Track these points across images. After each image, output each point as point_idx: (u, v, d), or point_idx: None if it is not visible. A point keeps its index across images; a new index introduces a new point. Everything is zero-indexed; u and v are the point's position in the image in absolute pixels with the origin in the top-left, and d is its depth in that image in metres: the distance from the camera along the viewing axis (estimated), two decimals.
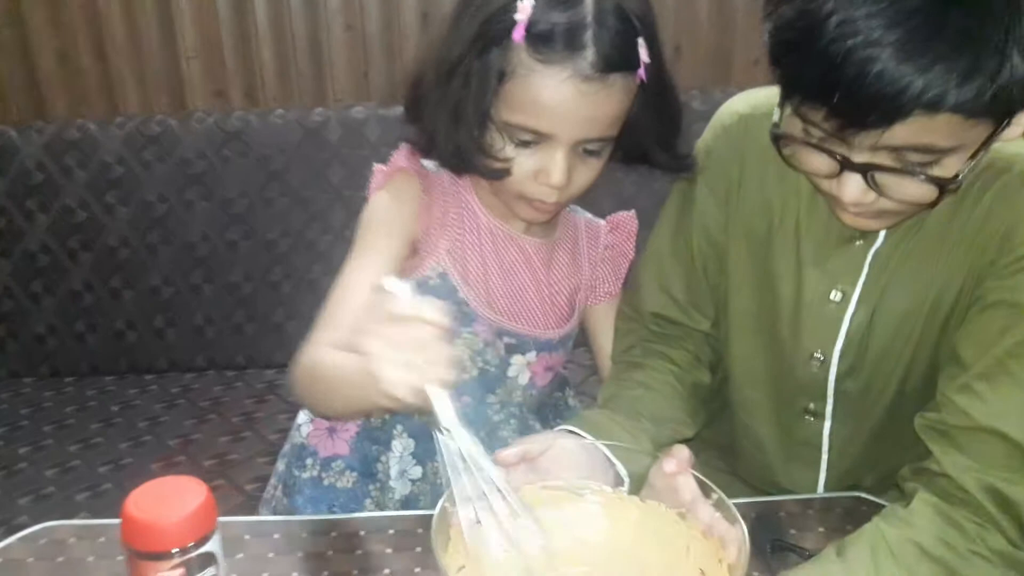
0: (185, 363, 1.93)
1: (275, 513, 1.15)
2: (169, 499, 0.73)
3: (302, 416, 1.17)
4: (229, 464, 1.52)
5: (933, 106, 0.68)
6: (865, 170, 0.77)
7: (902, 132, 0.71)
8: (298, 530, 0.94)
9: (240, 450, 1.56)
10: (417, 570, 0.88)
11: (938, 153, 0.73)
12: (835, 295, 0.93)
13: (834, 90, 0.71)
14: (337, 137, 1.90)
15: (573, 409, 1.29)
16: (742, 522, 0.76)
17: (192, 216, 1.90)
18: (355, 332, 0.74)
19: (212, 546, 0.75)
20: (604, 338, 1.18)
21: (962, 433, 0.81)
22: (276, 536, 0.93)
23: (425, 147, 1.04)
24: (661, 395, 1.00)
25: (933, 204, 0.78)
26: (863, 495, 0.98)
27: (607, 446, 0.87)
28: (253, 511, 1.27)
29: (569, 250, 1.15)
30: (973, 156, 0.74)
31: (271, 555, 0.90)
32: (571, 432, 0.92)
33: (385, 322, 0.72)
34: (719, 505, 0.79)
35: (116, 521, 0.76)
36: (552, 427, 1.23)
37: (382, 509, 1.13)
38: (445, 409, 0.74)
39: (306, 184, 1.90)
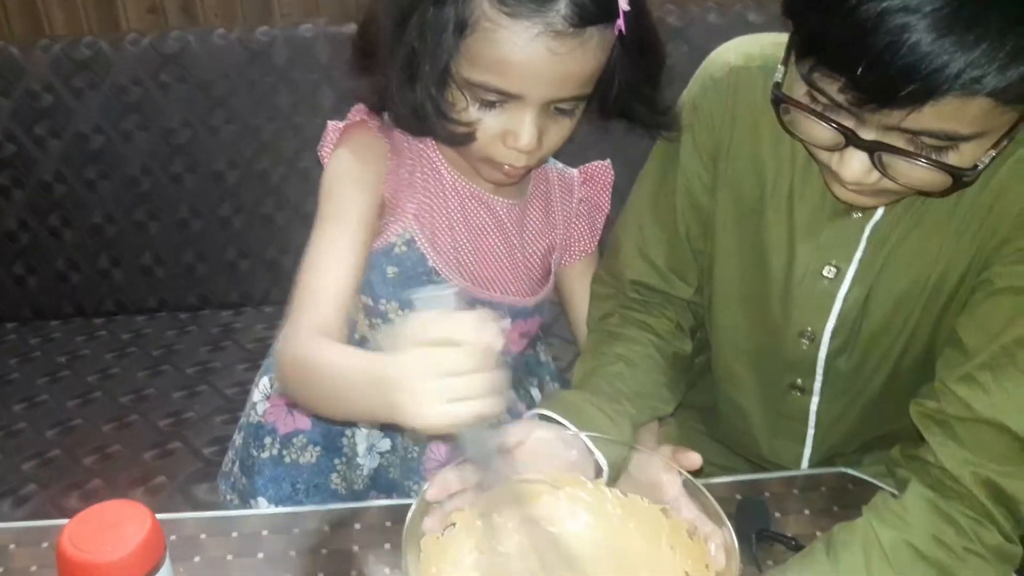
0: (134, 305, 1.83)
1: (234, 490, 1.10)
2: (110, 531, 0.67)
3: (257, 394, 1.10)
4: (185, 424, 1.45)
5: (970, 90, 0.60)
6: (873, 149, 0.69)
7: (929, 115, 0.63)
8: (258, 527, 0.88)
9: (196, 407, 1.49)
10: (387, 571, 0.83)
11: (958, 139, 0.65)
12: (828, 271, 0.86)
13: (859, 60, 0.62)
14: (284, 59, 1.75)
15: (544, 365, 1.23)
16: (729, 526, 0.72)
17: (131, 148, 1.76)
18: (389, 351, 0.66)
19: (164, 574, 0.69)
20: (579, 301, 1.11)
21: (961, 424, 0.76)
22: (234, 535, 0.87)
23: (377, 105, 0.93)
24: (642, 370, 0.94)
25: (943, 194, 0.71)
26: (848, 471, 0.94)
27: (588, 436, 0.82)
28: (212, 478, 1.22)
29: (542, 207, 1.07)
30: (995, 145, 0.67)
31: (229, 557, 0.85)
32: (546, 416, 0.86)
33: (423, 343, 0.65)
34: (704, 505, 0.74)
35: (61, 523, 0.70)
36: (523, 386, 1.19)
37: (350, 485, 1.08)
38: (481, 447, 0.68)
39: (252, 111, 1.76)
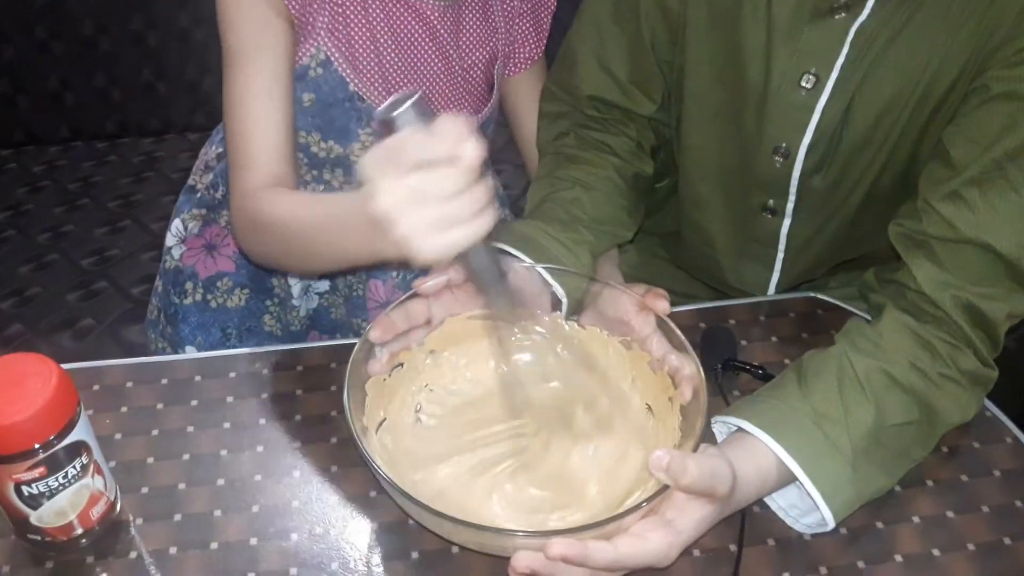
0: (46, 135, 1.68)
1: (163, 338, 1.02)
2: (10, 389, 0.59)
3: (170, 238, 1.00)
4: (110, 262, 1.35)
5: None
6: None
7: None
8: (190, 372, 0.81)
9: (121, 243, 1.38)
10: (333, 413, 0.78)
11: None
12: (807, 80, 0.78)
13: None
14: None
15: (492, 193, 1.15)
16: (695, 357, 0.67)
17: None
18: (370, 179, 0.58)
19: (80, 433, 0.62)
20: (528, 118, 1.01)
21: (943, 246, 0.71)
22: (164, 381, 0.81)
23: None
24: (601, 194, 0.86)
25: None
26: (817, 295, 0.90)
27: (544, 268, 0.76)
28: (142, 319, 1.13)
29: (479, 7, 0.94)
30: None
31: (160, 406, 0.78)
32: (498, 249, 0.79)
33: (401, 169, 0.56)
34: (668, 335, 0.70)
35: None
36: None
37: (286, 327, 1.01)
38: (486, 267, 0.63)
39: None
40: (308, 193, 0.80)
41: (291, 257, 0.81)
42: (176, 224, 1.00)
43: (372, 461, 0.60)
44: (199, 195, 1.01)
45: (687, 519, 0.60)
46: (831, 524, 0.65)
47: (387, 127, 0.58)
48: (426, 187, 0.56)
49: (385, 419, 0.71)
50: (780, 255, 0.90)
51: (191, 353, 0.97)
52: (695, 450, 0.62)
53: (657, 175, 0.96)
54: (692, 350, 0.68)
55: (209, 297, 0.98)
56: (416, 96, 0.57)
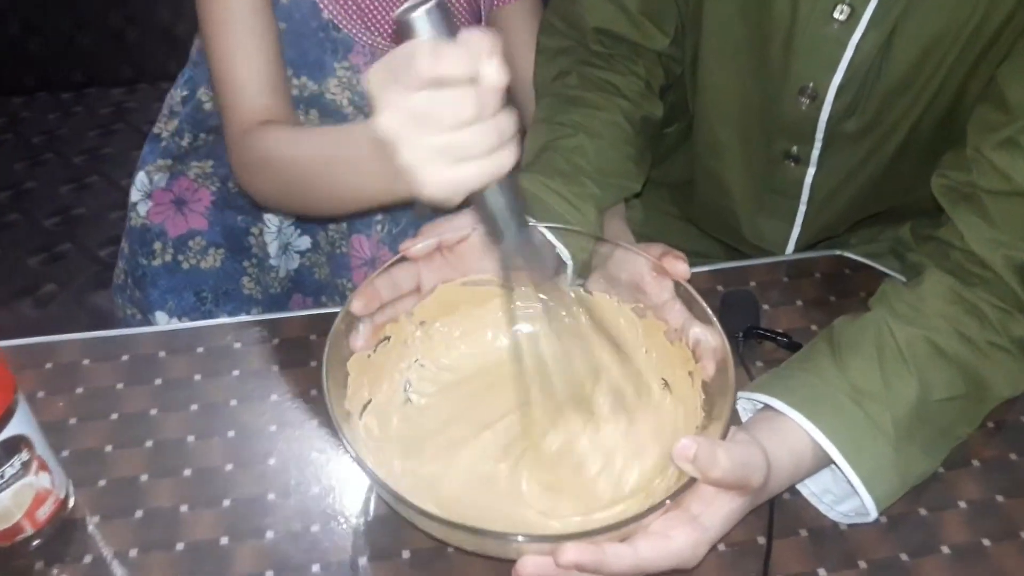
0: (8, 83, 1.58)
1: (131, 304, 0.94)
2: None
3: (135, 193, 0.92)
4: (75, 221, 1.26)
5: None
6: None
7: None
8: (154, 347, 0.74)
9: (87, 201, 1.30)
10: (313, 392, 0.70)
11: None
12: (840, 11, 0.69)
13: None
14: None
15: None
16: (720, 330, 0.60)
17: None
18: (374, 95, 0.50)
19: (18, 426, 0.54)
20: (522, 57, 0.92)
21: (995, 199, 0.63)
22: (125, 358, 0.73)
23: None
24: (607, 142, 0.78)
25: None
26: (844, 253, 0.82)
27: (546, 227, 0.68)
28: (109, 284, 1.05)
29: None
30: None
31: (120, 386, 0.71)
32: None
33: (409, 83, 0.48)
34: (689, 303, 0.62)
35: None
36: None
37: (265, 289, 0.93)
38: (503, 212, 0.54)
39: None
40: (310, 127, 0.72)
41: (293, 198, 0.73)
42: (141, 177, 0.92)
43: (355, 453, 0.53)
44: (164, 144, 0.92)
45: (715, 514, 0.53)
46: (873, 514, 0.58)
47: (402, 31, 0.49)
48: (435, 108, 0.48)
49: (371, 400, 0.63)
50: (802, 207, 0.82)
51: (160, 322, 0.89)
52: (724, 436, 0.55)
53: (665, 119, 0.87)
54: (716, 320, 0.61)
55: (180, 258, 0.90)
56: (436, 9, 0.48)
